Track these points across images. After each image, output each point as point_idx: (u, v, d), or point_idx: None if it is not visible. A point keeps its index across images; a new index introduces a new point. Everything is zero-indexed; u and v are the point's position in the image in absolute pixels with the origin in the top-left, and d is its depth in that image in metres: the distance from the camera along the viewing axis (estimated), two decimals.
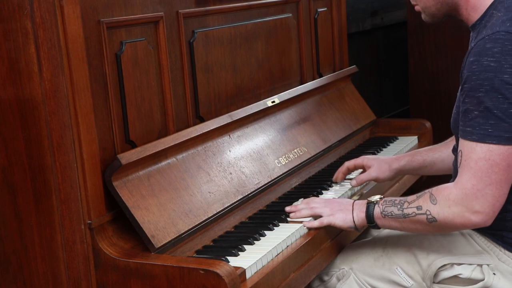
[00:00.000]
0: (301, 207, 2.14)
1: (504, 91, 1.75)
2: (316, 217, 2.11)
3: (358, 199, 2.24)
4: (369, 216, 2.00)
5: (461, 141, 1.84)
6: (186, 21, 2.15)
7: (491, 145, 1.77)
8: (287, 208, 2.16)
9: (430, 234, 2.05)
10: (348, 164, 2.43)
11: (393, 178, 2.44)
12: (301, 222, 2.09)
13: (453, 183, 1.86)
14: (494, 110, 1.76)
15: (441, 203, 1.85)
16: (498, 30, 1.79)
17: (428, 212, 1.88)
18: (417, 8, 2.04)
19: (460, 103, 1.87)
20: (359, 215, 2.03)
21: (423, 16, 2.05)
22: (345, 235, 2.21)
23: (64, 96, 1.72)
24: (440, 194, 1.87)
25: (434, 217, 1.87)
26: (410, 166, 2.39)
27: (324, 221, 2.08)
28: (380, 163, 2.39)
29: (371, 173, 2.38)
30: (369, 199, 2.04)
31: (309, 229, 2.08)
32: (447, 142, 2.36)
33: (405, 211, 1.92)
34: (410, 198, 1.94)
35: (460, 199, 1.81)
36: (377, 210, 1.99)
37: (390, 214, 1.96)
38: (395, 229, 2.01)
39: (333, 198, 2.23)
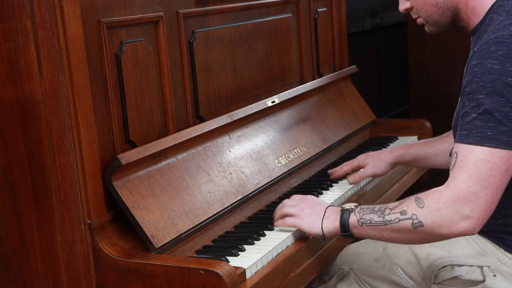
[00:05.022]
0: (277, 208, 2.06)
1: (506, 94, 1.71)
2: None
3: (357, 200, 2.23)
4: (344, 224, 1.87)
5: (456, 145, 1.76)
6: (186, 21, 2.15)
7: (491, 148, 1.70)
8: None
9: None
10: (346, 168, 2.45)
11: (389, 171, 2.48)
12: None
13: (442, 186, 1.74)
14: (495, 113, 1.71)
15: (430, 206, 1.73)
16: (502, 34, 1.77)
17: (414, 217, 1.74)
18: (419, 20, 1.99)
19: (460, 108, 1.83)
20: (333, 223, 1.90)
21: (426, 27, 1.99)
22: None
23: (64, 96, 1.72)
24: (428, 197, 1.74)
25: (421, 221, 1.73)
26: (404, 160, 2.43)
27: (288, 221, 1.98)
28: (375, 159, 2.43)
29: (368, 170, 2.42)
30: (343, 206, 1.91)
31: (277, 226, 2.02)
32: (443, 137, 2.37)
33: (387, 217, 1.79)
34: (392, 204, 1.83)
35: (452, 201, 1.69)
36: (353, 218, 1.86)
37: (368, 221, 1.83)
38: (373, 238, 1.88)
39: (310, 196, 2.07)
